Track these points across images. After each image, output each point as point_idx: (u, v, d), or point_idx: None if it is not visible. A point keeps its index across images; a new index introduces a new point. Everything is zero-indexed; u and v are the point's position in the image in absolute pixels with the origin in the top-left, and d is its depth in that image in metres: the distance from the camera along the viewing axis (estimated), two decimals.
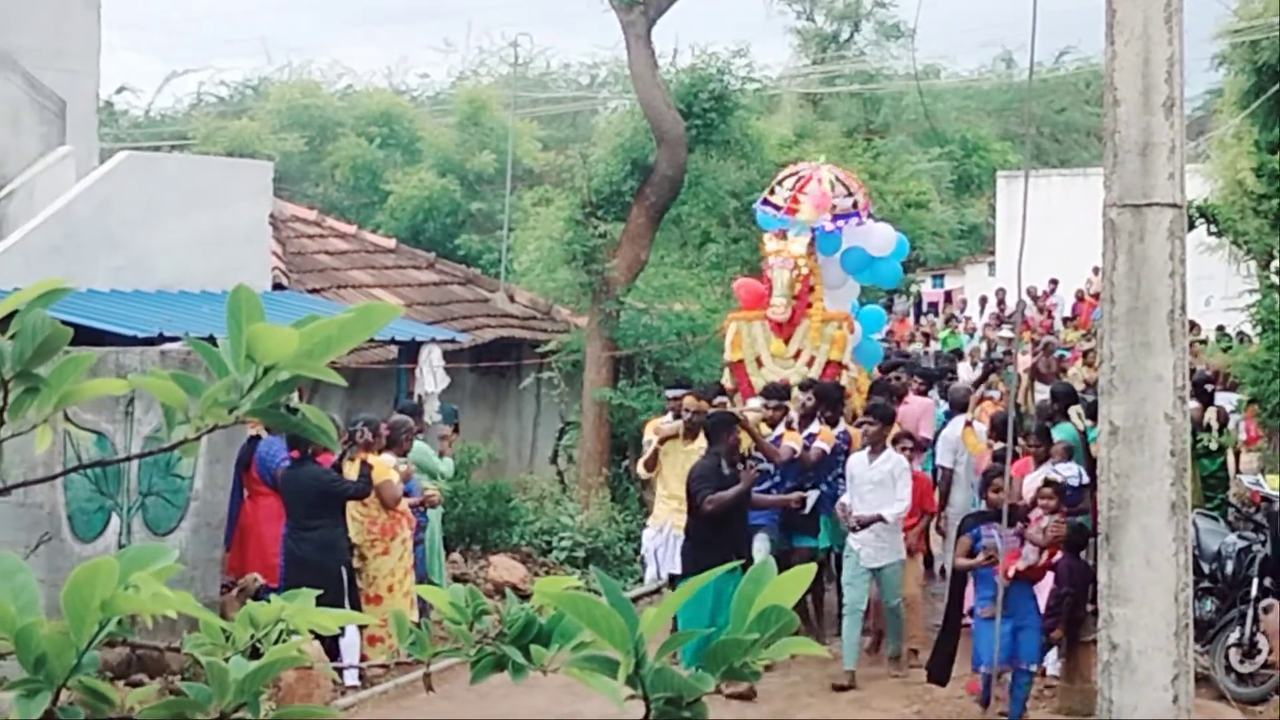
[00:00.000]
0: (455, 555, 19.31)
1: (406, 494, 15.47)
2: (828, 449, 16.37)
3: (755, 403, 17.26)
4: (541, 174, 32.24)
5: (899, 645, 15.90)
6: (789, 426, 16.77)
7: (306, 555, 14.29)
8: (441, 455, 17.58)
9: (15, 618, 1.84)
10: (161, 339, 16.15)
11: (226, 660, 1.98)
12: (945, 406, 20.05)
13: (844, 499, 15.64)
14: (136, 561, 1.90)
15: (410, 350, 20.32)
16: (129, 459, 14.03)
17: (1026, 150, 35.15)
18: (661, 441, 16.57)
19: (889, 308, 37.22)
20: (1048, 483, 14.37)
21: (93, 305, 17.69)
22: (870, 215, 19.81)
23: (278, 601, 2.07)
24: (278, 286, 21.09)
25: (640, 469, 17.10)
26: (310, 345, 1.86)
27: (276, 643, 2.13)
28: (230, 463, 15.69)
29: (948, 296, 47.11)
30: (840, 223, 19.03)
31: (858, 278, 19.87)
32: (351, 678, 14.68)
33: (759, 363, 18.65)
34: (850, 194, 19.32)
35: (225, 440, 15.40)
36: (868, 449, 15.57)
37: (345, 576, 14.52)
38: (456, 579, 18.27)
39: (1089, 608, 12.94)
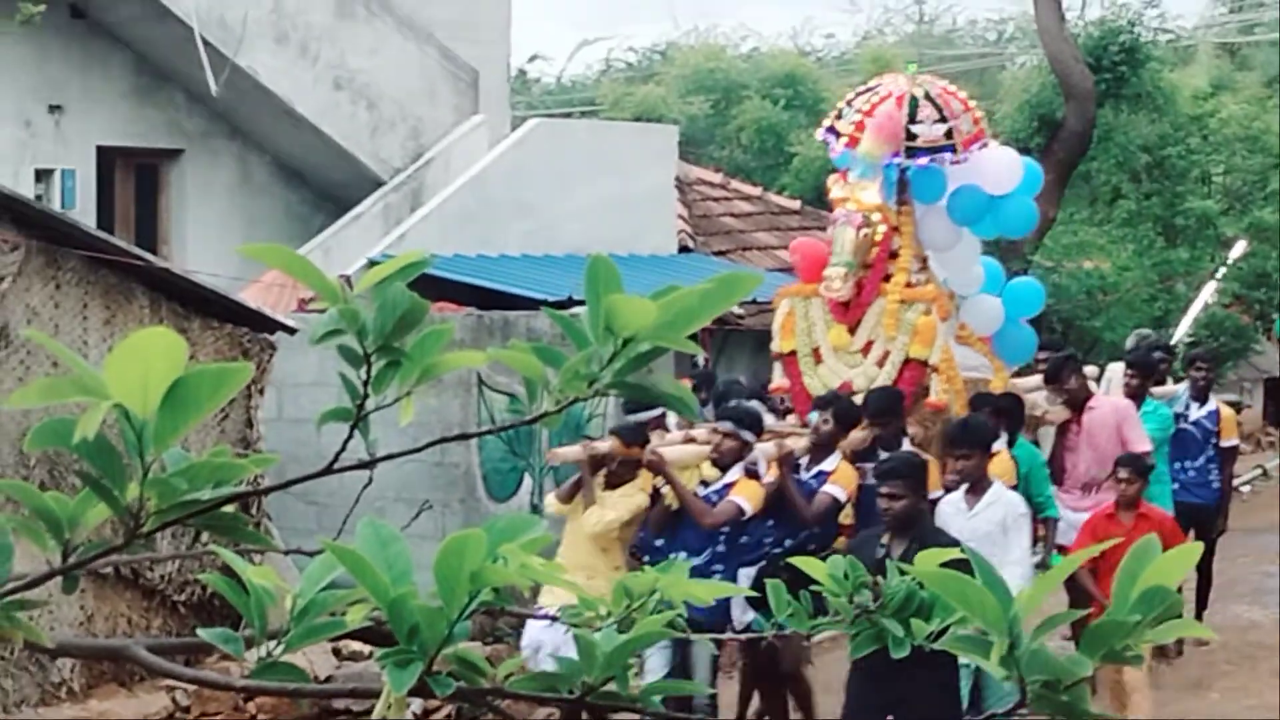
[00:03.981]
0: None
1: None
2: (842, 497, 11.26)
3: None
4: None
5: None
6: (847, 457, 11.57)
7: None
8: None
9: (389, 588, 1.87)
10: (570, 302, 16.47)
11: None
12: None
13: None
14: (507, 533, 1.92)
15: None
16: (531, 421, 14.26)
17: None
18: (593, 471, 11.22)
19: None
20: None
21: (505, 270, 18.21)
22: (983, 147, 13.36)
23: (651, 573, 2.07)
24: (684, 249, 21.32)
25: (551, 501, 11.58)
26: (670, 316, 1.83)
27: (654, 613, 2.12)
28: None
29: None
30: (924, 159, 12.87)
31: (976, 230, 13.43)
32: None
33: (817, 356, 13.03)
34: (943, 119, 12.94)
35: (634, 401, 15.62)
36: (964, 489, 10.69)
37: None
38: None
39: None
